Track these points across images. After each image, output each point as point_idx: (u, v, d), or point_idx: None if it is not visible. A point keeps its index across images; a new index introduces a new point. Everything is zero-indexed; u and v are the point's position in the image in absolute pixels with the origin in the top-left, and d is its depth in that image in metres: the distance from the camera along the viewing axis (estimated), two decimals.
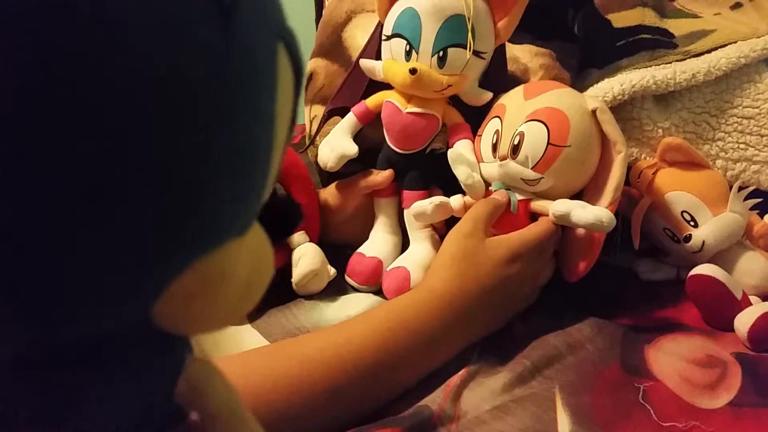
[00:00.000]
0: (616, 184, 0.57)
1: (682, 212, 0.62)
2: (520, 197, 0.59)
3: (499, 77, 0.64)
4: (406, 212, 0.64)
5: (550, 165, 0.56)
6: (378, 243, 0.65)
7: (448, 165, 0.60)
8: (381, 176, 0.64)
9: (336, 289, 0.63)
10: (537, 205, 0.59)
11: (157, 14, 0.15)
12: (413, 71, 0.58)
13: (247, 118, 0.18)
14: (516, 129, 0.57)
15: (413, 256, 0.63)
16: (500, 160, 0.58)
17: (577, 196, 0.60)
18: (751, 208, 0.61)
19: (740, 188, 0.61)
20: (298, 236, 0.64)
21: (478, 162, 0.61)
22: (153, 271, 0.17)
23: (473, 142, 0.63)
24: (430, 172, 0.64)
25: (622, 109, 0.67)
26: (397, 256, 0.64)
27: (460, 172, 0.59)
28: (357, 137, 0.65)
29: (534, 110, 0.57)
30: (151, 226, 0.16)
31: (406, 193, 0.64)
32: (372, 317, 0.51)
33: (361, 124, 0.65)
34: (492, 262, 0.54)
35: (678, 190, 0.63)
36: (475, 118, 0.63)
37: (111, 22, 0.14)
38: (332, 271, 0.63)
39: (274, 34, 0.20)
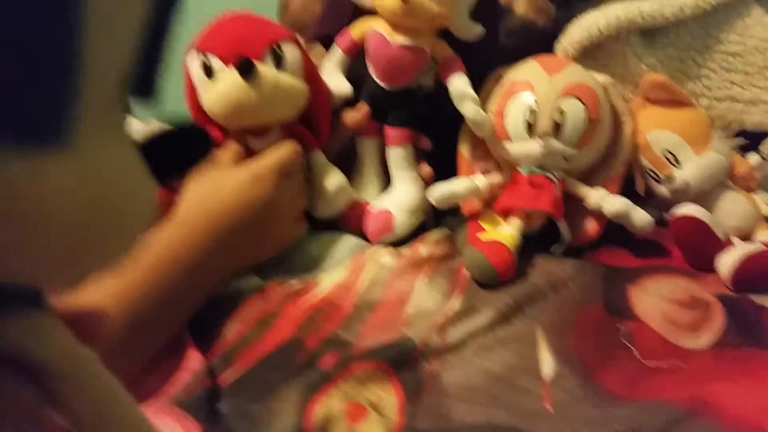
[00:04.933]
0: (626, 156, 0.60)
1: (665, 151, 0.61)
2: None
3: (488, 7, 0.61)
4: (390, 151, 0.62)
5: (587, 142, 0.57)
6: (360, 183, 0.63)
7: (435, 103, 0.57)
8: (357, 114, 0.61)
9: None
10: (575, 189, 0.59)
11: None
12: None
13: None
14: (553, 106, 0.56)
15: (398, 198, 0.61)
16: (540, 138, 0.57)
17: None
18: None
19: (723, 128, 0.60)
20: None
21: (501, 140, 0.59)
22: None
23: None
24: (415, 109, 0.62)
25: (607, 43, 0.65)
26: (378, 196, 0.62)
27: (467, 109, 0.57)
28: None
29: (566, 86, 0.57)
30: None
31: (389, 130, 0.62)
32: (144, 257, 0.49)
33: (349, 58, 0.62)
34: (231, 182, 0.53)
35: (660, 129, 0.62)
36: (464, 54, 0.60)
37: None
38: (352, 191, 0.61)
39: None
